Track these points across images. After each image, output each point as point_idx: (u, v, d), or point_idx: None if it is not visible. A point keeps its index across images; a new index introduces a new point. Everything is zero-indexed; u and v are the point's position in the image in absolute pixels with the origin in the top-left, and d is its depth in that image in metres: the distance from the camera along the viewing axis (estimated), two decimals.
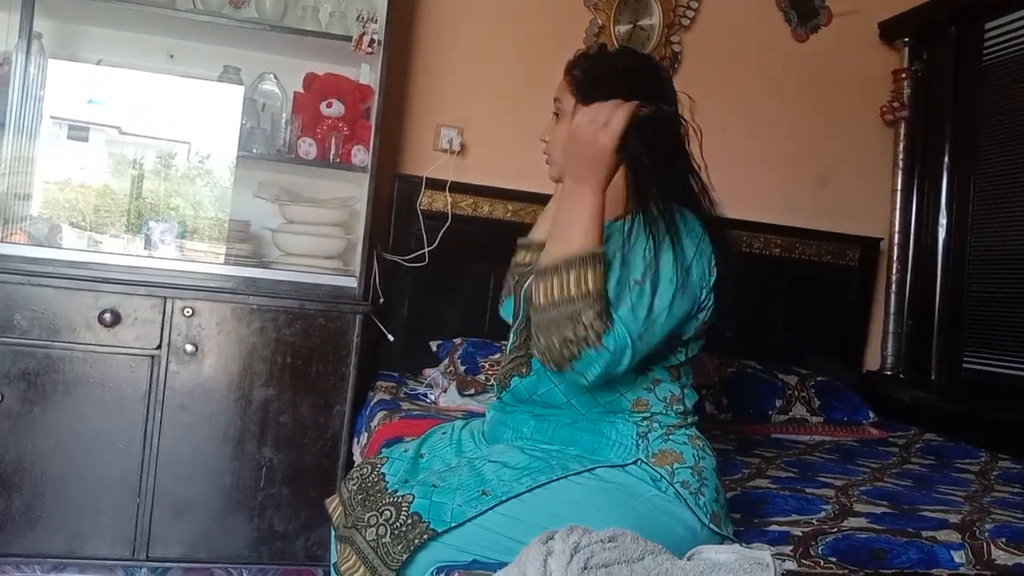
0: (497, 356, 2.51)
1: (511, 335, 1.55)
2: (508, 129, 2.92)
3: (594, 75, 1.43)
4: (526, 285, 1.49)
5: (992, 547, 1.45)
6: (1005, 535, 1.51)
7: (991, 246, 2.93)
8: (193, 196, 2.55)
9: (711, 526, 1.32)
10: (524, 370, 1.44)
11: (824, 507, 1.71)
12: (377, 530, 1.24)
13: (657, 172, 1.36)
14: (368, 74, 2.70)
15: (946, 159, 3.09)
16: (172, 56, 2.66)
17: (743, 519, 1.57)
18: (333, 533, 1.48)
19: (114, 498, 2.28)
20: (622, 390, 1.37)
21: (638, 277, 1.26)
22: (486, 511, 1.24)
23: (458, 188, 2.84)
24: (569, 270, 1.22)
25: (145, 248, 2.45)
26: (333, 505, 1.52)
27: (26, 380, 2.21)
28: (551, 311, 1.23)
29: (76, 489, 2.25)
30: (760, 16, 3.20)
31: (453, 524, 1.22)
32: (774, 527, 1.54)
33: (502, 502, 1.25)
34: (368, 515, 1.27)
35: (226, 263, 2.46)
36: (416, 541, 1.21)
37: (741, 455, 2.21)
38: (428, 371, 2.70)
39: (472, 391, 2.39)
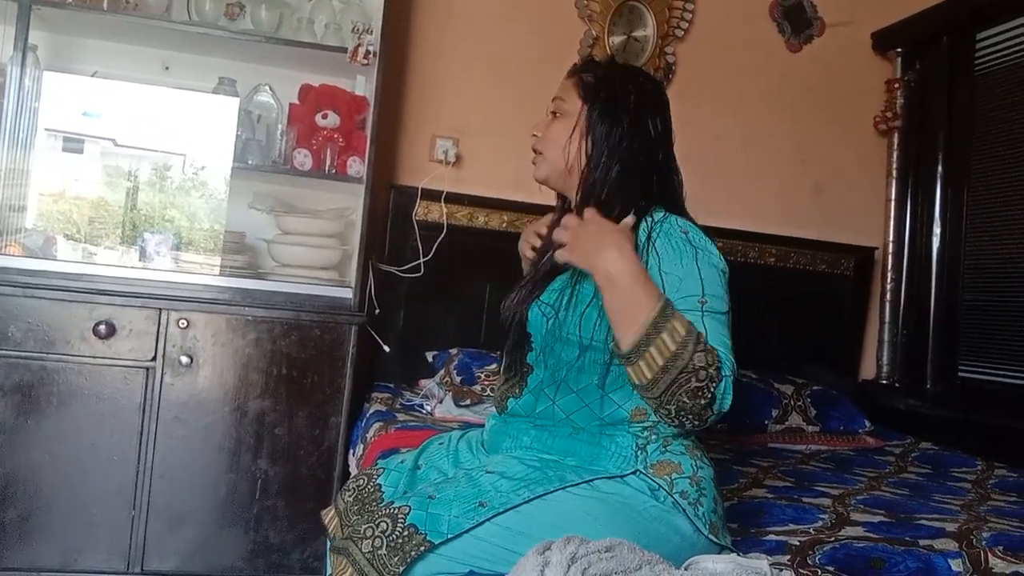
0: (493, 367, 2.51)
1: (502, 357, 1.55)
2: (503, 139, 2.92)
3: (610, 84, 1.48)
4: (514, 301, 1.50)
5: (990, 555, 1.45)
6: (1002, 543, 1.50)
7: (985, 255, 2.93)
8: (188, 208, 2.55)
9: (710, 536, 1.31)
10: (517, 390, 1.45)
11: (821, 516, 1.70)
12: (373, 542, 1.23)
13: (657, 182, 1.45)
14: (363, 85, 2.71)
15: (939, 168, 3.10)
16: (167, 68, 2.66)
17: (740, 529, 1.57)
18: (328, 545, 1.48)
19: (109, 510, 2.27)
20: (620, 401, 1.37)
21: (699, 296, 1.28)
22: (483, 522, 1.23)
23: (453, 199, 2.84)
24: (658, 332, 1.18)
25: (140, 260, 2.45)
26: (329, 517, 1.52)
27: (20, 392, 2.20)
28: (664, 377, 1.18)
29: (71, 501, 2.24)
30: (754, 27, 3.22)
31: (450, 535, 1.21)
32: (771, 536, 1.54)
33: (499, 513, 1.24)
34: (364, 527, 1.27)
35: (221, 274, 2.46)
36: (413, 553, 1.20)
37: (738, 465, 2.21)
38: (424, 382, 2.69)
39: (468, 401, 2.38)
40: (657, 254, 1.32)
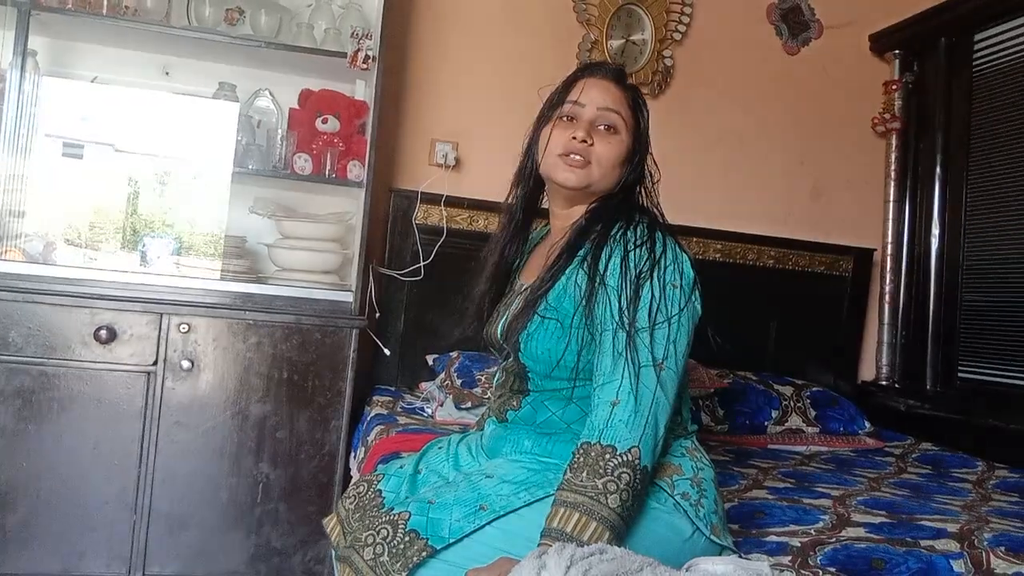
0: (494, 369, 2.51)
1: (498, 372, 1.55)
2: (503, 143, 2.89)
3: (645, 114, 1.50)
4: (499, 333, 1.49)
5: (991, 556, 1.45)
6: (1004, 544, 1.51)
7: (984, 255, 2.94)
8: (189, 212, 2.55)
9: (711, 537, 1.31)
10: (515, 403, 1.45)
11: (822, 517, 1.70)
12: (375, 549, 1.23)
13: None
14: (363, 90, 2.72)
15: (938, 169, 3.11)
16: (167, 73, 2.67)
17: (741, 530, 1.57)
18: (333, 554, 1.48)
19: (110, 515, 2.27)
20: None
21: (659, 359, 1.26)
22: (484, 526, 1.24)
23: (453, 202, 2.84)
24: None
25: (141, 264, 2.45)
26: (331, 525, 1.51)
27: (21, 397, 2.20)
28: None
29: (72, 507, 2.24)
30: (751, 30, 3.23)
31: (451, 540, 1.22)
32: (772, 538, 1.54)
33: (500, 517, 1.25)
34: (365, 534, 1.27)
35: (222, 279, 2.46)
36: (415, 559, 1.20)
37: (738, 466, 2.21)
38: (425, 385, 2.69)
39: (469, 404, 2.39)
40: (651, 290, 1.30)
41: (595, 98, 1.44)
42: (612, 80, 1.47)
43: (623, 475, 1.18)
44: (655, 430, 1.22)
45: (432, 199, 2.82)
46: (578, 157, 1.42)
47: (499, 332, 1.49)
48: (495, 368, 2.51)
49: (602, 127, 1.44)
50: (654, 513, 1.29)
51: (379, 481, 1.50)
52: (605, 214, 1.42)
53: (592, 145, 1.42)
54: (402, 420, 2.29)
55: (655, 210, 1.47)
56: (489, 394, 2.41)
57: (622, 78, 1.49)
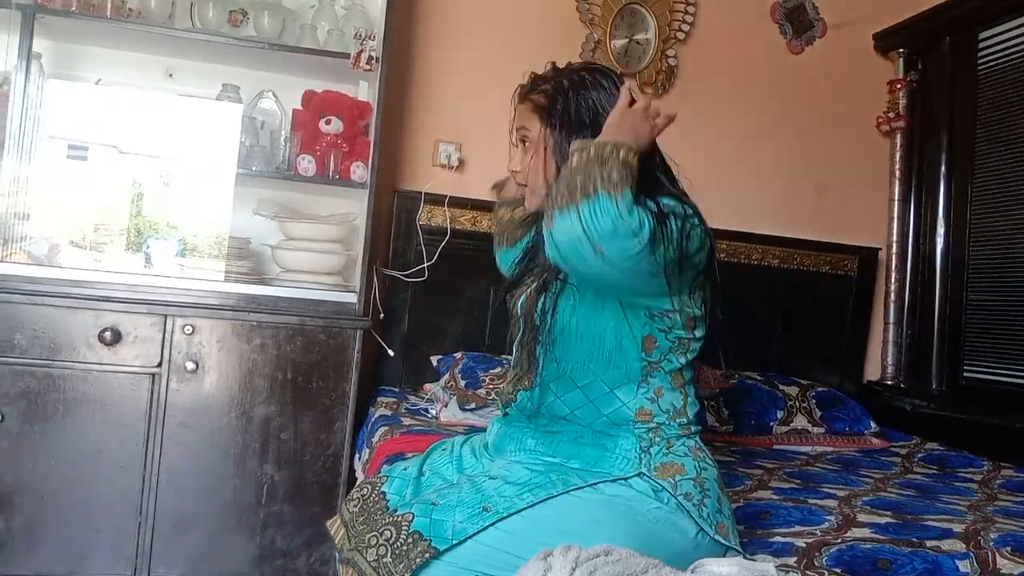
0: (498, 370, 2.51)
1: (513, 350, 1.55)
2: (506, 144, 2.89)
3: (562, 96, 1.44)
4: (522, 295, 1.50)
5: (998, 556, 1.45)
6: (1010, 544, 1.50)
7: (990, 254, 2.93)
8: (193, 214, 2.55)
9: (717, 537, 1.31)
10: (527, 383, 1.45)
11: (827, 518, 1.70)
12: (378, 550, 1.24)
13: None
14: (366, 91, 2.72)
15: (943, 168, 3.09)
16: (171, 75, 2.67)
17: (746, 531, 1.57)
18: (338, 556, 1.48)
19: (115, 517, 2.27)
20: (624, 399, 1.37)
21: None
22: (487, 527, 1.24)
23: (457, 203, 2.84)
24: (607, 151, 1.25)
25: (145, 266, 2.45)
26: (335, 527, 1.52)
27: (27, 399, 2.21)
28: (581, 169, 1.23)
29: (77, 508, 2.25)
30: (755, 29, 3.22)
31: (455, 541, 1.22)
32: (778, 538, 1.54)
33: (503, 518, 1.25)
34: (369, 536, 1.27)
35: (226, 280, 2.46)
36: (418, 560, 1.20)
37: (743, 467, 2.21)
38: (429, 386, 2.69)
39: (473, 405, 2.39)
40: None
41: (515, 120, 1.53)
42: (522, 100, 1.52)
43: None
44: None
45: (436, 200, 2.82)
46: (522, 184, 1.53)
47: (521, 303, 1.51)
48: (499, 369, 2.51)
49: (525, 145, 1.51)
50: (657, 514, 1.29)
51: (383, 483, 1.50)
52: None
53: (519, 170, 1.51)
54: (406, 421, 2.29)
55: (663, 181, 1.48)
56: (497, 392, 2.41)
57: (528, 91, 1.50)
